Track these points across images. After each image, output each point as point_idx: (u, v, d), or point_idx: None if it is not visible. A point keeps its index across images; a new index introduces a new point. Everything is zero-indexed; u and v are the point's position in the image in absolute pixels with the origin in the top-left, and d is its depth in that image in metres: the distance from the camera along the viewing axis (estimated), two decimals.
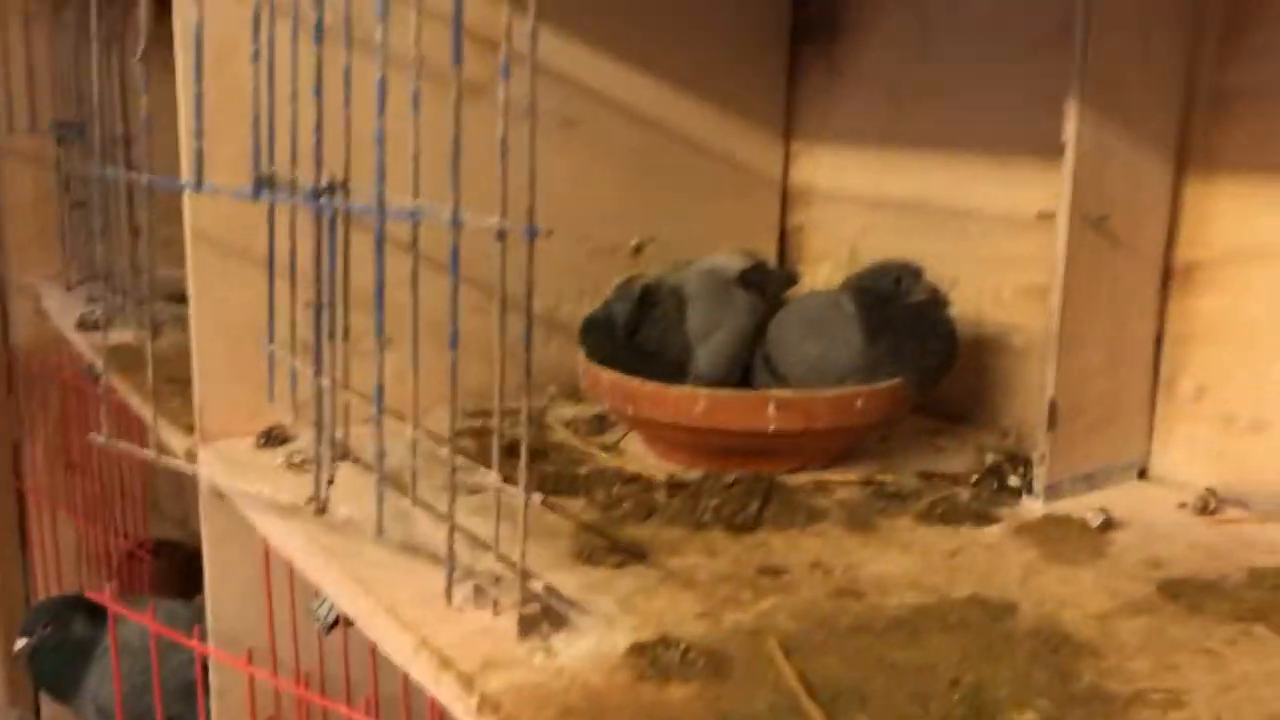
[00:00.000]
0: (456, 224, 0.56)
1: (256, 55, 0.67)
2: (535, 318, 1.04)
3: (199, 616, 1.27)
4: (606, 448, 0.90)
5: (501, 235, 0.54)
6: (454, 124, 0.55)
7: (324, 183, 0.66)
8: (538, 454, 0.86)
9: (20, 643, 1.19)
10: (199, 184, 0.69)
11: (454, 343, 0.59)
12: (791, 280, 1.02)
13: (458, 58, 0.55)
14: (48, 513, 1.62)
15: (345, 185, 0.68)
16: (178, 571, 1.58)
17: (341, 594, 0.66)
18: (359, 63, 0.68)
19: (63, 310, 1.40)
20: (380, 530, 0.66)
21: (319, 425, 0.70)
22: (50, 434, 1.60)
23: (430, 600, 0.61)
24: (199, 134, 0.70)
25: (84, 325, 1.28)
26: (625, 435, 0.92)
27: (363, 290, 0.80)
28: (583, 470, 0.84)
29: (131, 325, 1.26)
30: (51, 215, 1.50)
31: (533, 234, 0.52)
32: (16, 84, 1.47)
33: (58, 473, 1.61)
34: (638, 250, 1.08)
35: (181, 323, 1.30)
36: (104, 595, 1.03)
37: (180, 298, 1.44)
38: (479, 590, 0.60)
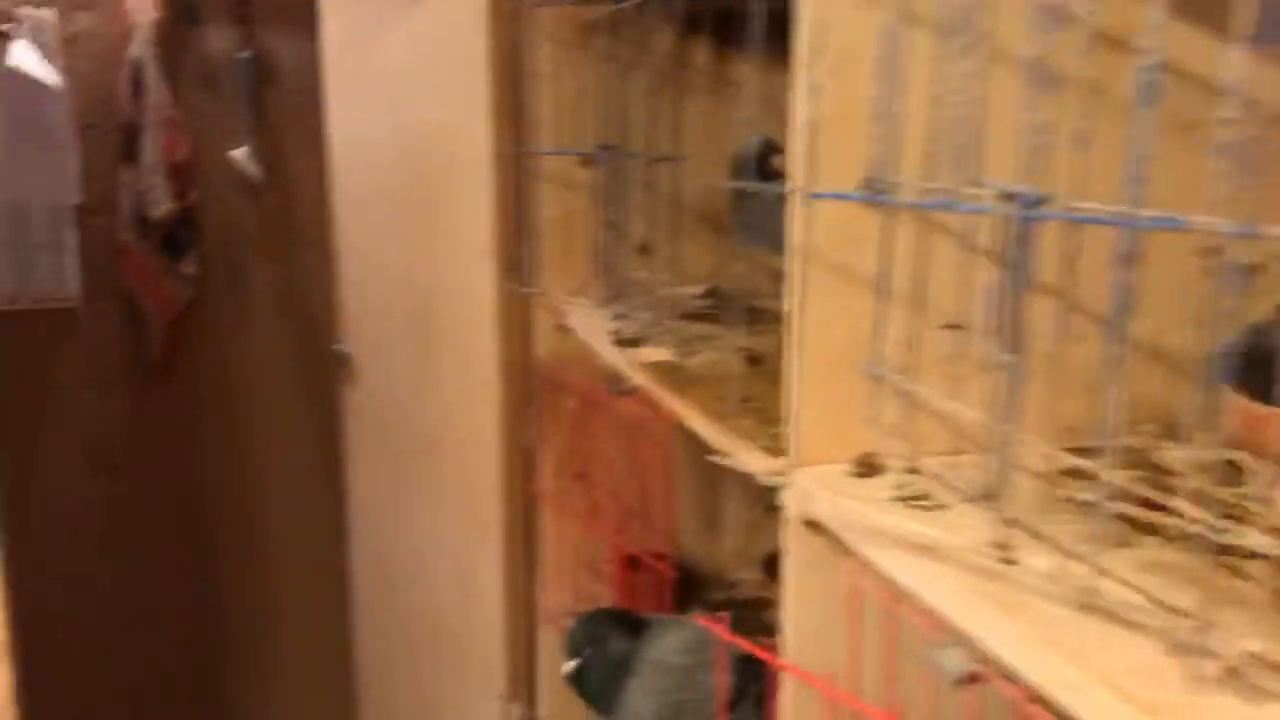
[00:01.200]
0: (1248, 236, 0.47)
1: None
2: (1133, 346, 0.93)
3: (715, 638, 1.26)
4: (1258, 500, 0.77)
5: None
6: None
7: (1014, 191, 0.59)
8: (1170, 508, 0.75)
9: (568, 665, 1.23)
10: (878, 194, 0.64)
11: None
12: None
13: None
14: (555, 518, 1.68)
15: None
16: (670, 584, 1.58)
17: (1019, 654, 0.59)
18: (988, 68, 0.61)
19: (590, 326, 1.44)
20: (1082, 589, 0.58)
21: (996, 462, 0.64)
22: (561, 443, 1.67)
23: (1152, 675, 0.52)
24: (884, 138, 0.65)
25: (620, 341, 1.30)
26: (1275, 486, 0.79)
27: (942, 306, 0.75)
28: (1251, 529, 0.72)
29: (664, 343, 1.27)
30: (575, 235, 1.56)
31: None
32: (549, 108, 1.54)
33: (565, 481, 1.67)
34: (1254, 270, 0.94)
35: (708, 342, 1.31)
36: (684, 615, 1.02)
37: (696, 316, 1.46)
38: (1232, 672, 0.50)
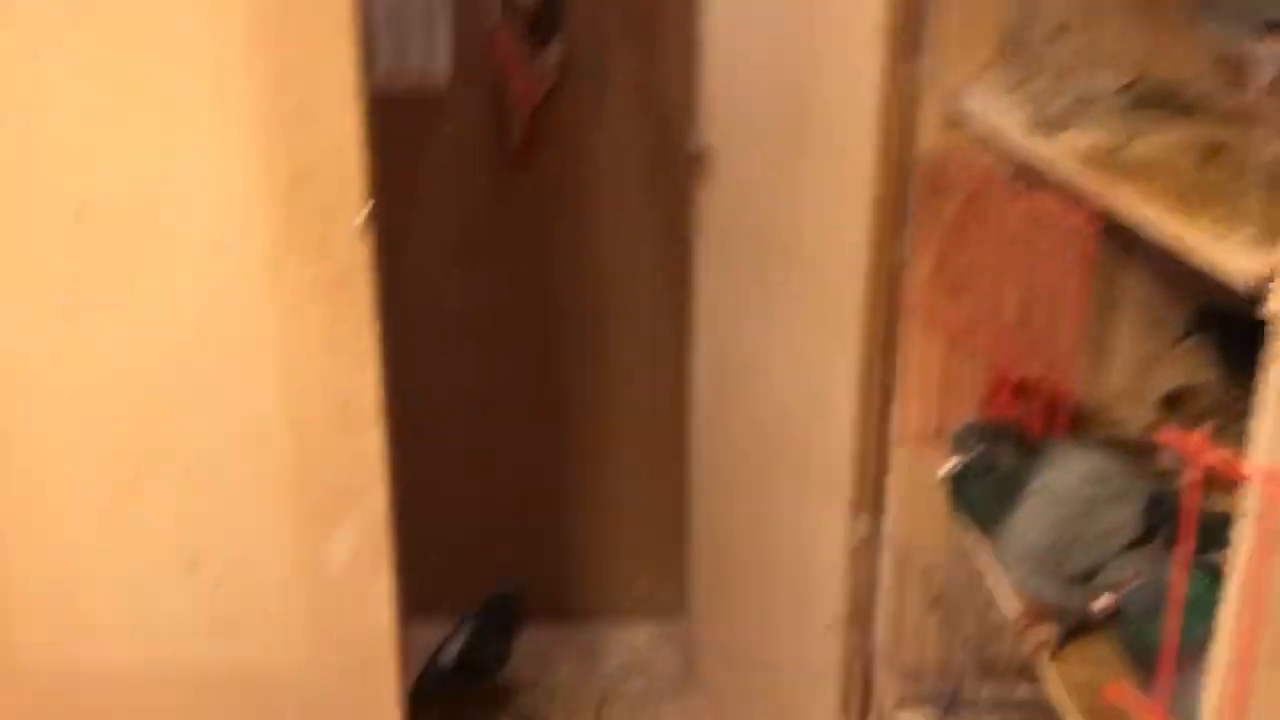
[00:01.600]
0: None
1: None
2: None
3: (1126, 472, 1.11)
4: None
5: None
6: None
7: None
8: None
9: (950, 464, 1.11)
10: None
11: None
12: None
13: None
14: (922, 333, 1.56)
15: None
16: (1066, 414, 1.43)
17: None
18: None
19: (994, 113, 1.28)
20: None
21: None
22: (938, 250, 1.53)
23: None
24: None
25: (1039, 126, 1.14)
26: None
27: None
28: None
29: (1093, 128, 1.09)
30: (980, 9, 1.38)
31: None
32: None
33: (939, 292, 1.53)
34: None
35: (1147, 129, 1.12)
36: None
37: (1125, 105, 1.26)
38: None
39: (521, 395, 2.49)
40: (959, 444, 1.13)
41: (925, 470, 1.54)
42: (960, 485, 1.13)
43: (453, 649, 2.35)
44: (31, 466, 1.63)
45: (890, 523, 1.66)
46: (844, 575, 1.70)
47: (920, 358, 1.56)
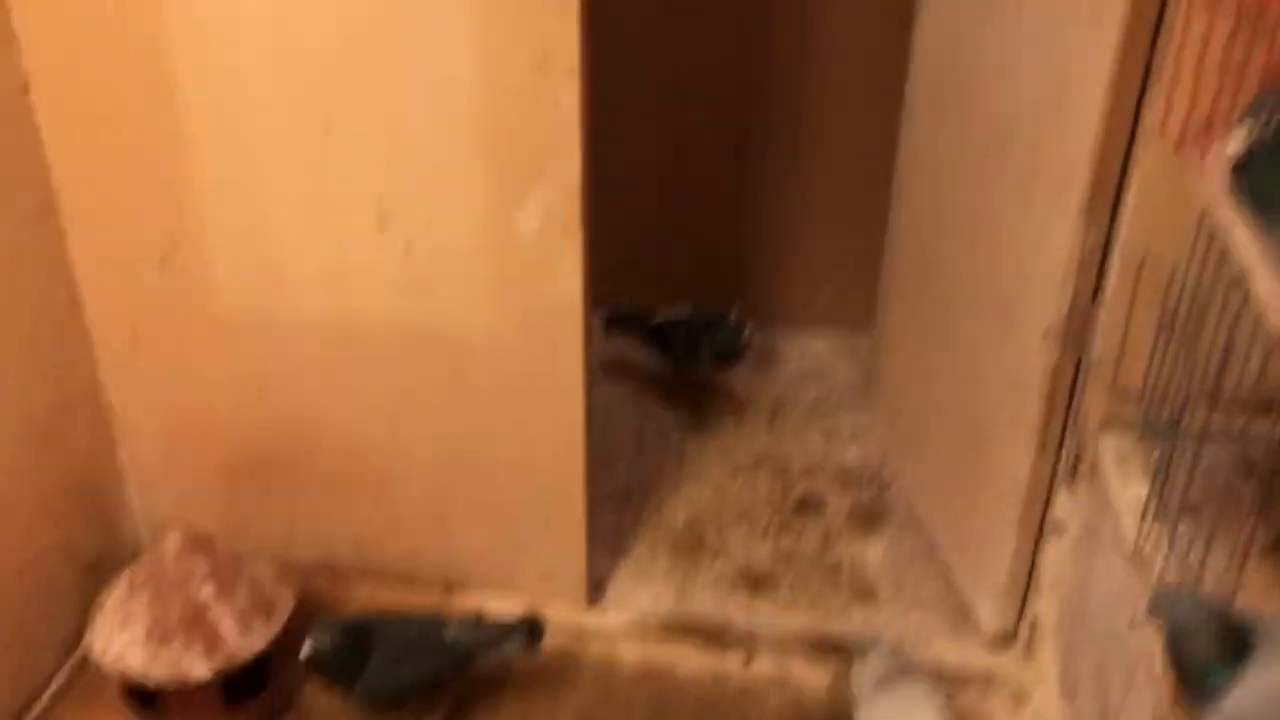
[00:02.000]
0: None
1: None
2: None
3: None
4: None
5: None
6: None
7: None
8: None
9: (1239, 137, 0.95)
10: None
11: None
12: None
13: None
14: (1200, 14, 1.33)
15: None
16: None
17: None
18: None
19: None
20: None
21: None
22: None
23: None
24: None
25: None
26: None
27: None
28: None
29: None
30: None
31: None
32: None
33: None
34: None
35: None
36: None
37: None
38: None
39: (720, 80, 2.34)
40: (1252, 118, 0.96)
41: (1176, 170, 1.36)
42: (1249, 166, 0.96)
43: (654, 316, 2.38)
44: (227, 111, 1.60)
45: (1126, 228, 1.49)
46: (1066, 283, 1.56)
47: (1195, 40, 1.34)
